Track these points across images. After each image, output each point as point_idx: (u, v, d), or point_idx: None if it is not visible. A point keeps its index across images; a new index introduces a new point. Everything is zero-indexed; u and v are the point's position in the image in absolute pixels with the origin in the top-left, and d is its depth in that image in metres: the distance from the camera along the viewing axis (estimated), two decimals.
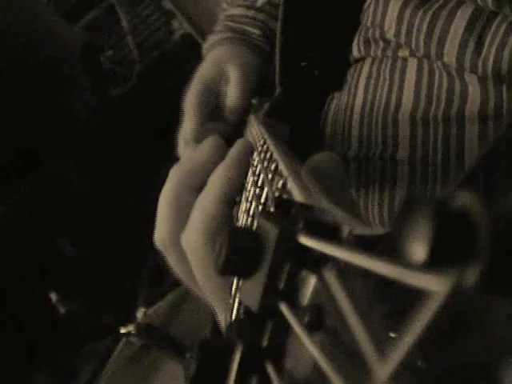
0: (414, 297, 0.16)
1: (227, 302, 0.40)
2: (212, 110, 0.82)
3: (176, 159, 0.79)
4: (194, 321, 1.91)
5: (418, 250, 0.16)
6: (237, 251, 0.27)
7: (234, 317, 0.36)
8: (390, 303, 0.19)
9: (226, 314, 0.40)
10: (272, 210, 0.30)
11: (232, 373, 0.27)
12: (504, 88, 0.59)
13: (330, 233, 0.25)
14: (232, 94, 0.81)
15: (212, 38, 0.90)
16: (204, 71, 0.84)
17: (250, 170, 0.48)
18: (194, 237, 0.46)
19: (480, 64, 0.59)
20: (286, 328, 0.26)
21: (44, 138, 1.74)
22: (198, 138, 0.79)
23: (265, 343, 0.26)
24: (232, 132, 0.77)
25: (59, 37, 1.76)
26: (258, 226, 0.28)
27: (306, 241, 0.25)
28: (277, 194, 0.34)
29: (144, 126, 2.15)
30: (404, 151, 0.65)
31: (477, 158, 0.57)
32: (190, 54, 2.34)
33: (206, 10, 2.34)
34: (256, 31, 0.86)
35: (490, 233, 0.15)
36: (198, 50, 2.38)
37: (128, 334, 2.00)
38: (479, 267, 0.15)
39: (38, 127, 1.70)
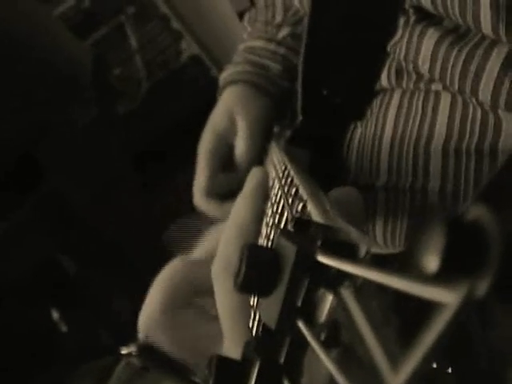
0: (426, 310, 0.17)
1: (242, 328, 0.41)
2: (225, 161, 0.82)
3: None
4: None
5: (431, 261, 0.17)
6: (255, 268, 0.28)
7: (253, 334, 0.36)
8: (404, 318, 0.20)
9: (240, 338, 0.40)
10: (291, 229, 0.30)
11: None
12: None
13: (347, 252, 0.25)
14: (240, 148, 0.81)
15: (230, 69, 0.89)
16: (216, 120, 0.84)
17: (270, 196, 0.49)
18: (216, 266, 0.46)
19: None
20: (303, 345, 0.26)
21: (46, 153, 1.74)
22: (210, 192, 0.80)
23: (282, 359, 0.27)
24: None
25: (68, 52, 1.77)
26: (276, 245, 0.29)
27: (323, 259, 0.25)
28: (296, 216, 0.35)
29: (147, 146, 2.15)
30: (435, 182, 0.65)
31: (490, 176, 0.57)
32: (198, 75, 2.36)
33: (214, 33, 2.36)
34: (276, 66, 0.85)
35: (501, 245, 0.16)
36: (205, 71, 2.39)
37: (129, 354, 1.97)
38: (490, 279, 0.15)
39: (40, 140, 1.71)
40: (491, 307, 0.15)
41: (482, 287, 0.15)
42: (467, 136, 0.63)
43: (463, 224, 0.17)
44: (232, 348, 0.44)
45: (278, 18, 0.89)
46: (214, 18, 2.35)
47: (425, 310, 0.17)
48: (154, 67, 2.39)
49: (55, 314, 2.05)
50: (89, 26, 2.31)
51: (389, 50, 0.70)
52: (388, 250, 0.66)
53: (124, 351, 2.01)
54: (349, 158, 0.75)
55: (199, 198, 0.82)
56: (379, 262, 0.24)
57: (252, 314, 0.38)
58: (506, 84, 0.59)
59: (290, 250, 0.27)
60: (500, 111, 0.61)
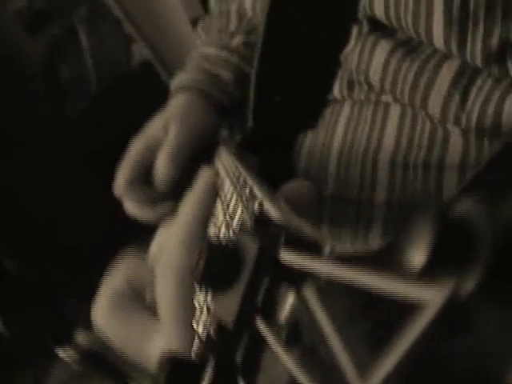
0: (399, 311, 0.16)
1: (185, 317, 0.40)
2: (147, 171, 0.77)
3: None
4: None
5: (416, 256, 0.16)
6: (214, 263, 0.27)
7: (201, 331, 0.35)
8: (371, 321, 0.19)
9: (183, 329, 0.40)
10: (250, 227, 0.29)
11: None
12: (485, 142, 0.59)
13: (310, 250, 0.25)
14: (158, 162, 0.75)
15: (181, 76, 0.88)
16: (150, 128, 0.80)
17: (219, 198, 0.48)
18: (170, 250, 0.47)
19: (464, 117, 0.59)
20: (262, 344, 0.25)
21: None
22: (123, 195, 0.77)
23: (238, 359, 0.26)
24: (160, 200, 0.74)
25: (19, 49, 1.75)
26: (235, 242, 0.28)
27: (286, 256, 0.25)
28: (256, 213, 0.34)
29: (95, 147, 2.13)
30: (381, 194, 0.65)
31: (477, 168, 0.58)
32: (148, 79, 2.35)
33: (167, 38, 2.34)
34: (228, 74, 0.84)
35: (489, 241, 0.15)
36: (155, 76, 2.38)
37: (67, 356, 1.96)
38: (477, 275, 0.15)
39: None
40: (475, 307, 0.15)
41: (469, 284, 0.15)
42: (415, 149, 0.64)
43: (451, 218, 0.16)
44: (172, 344, 0.43)
45: (232, 27, 0.89)
46: (167, 23, 2.34)
47: (397, 310, 0.16)
48: (104, 69, 2.36)
49: None
50: (40, 24, 2.28)
51: (342, 60, 0.70)
52: (356, 249, 0.66)
53: (62, 354, 1.98)
54: (298, 166, 0.74)
55: (122, 191, 0.78)
56: (345, 260, 0.23)
57: (201, 311, 0.37)
58: (456, 98, 0.60)
59: (251, 246, 0.26)
60: (449, 125, 0.62)
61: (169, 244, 0.46)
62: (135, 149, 0.78)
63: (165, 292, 0.44)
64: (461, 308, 0.15)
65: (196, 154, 0.76)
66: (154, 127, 0.79)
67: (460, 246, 0.15)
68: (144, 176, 0.76)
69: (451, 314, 0.15)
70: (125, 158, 0.78)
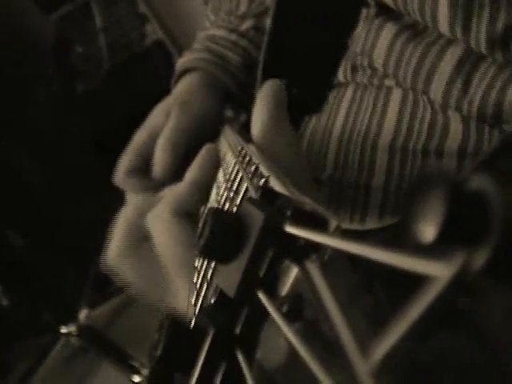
0: (403, 288, 0.16)
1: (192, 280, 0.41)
2: (147, 161, 0.75)
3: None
4: (137, 327, 1.90)
5: (428, 229, 0.16)
6: (219, 233, 0.26)
7: (201, 300, 0.35)
8: (374, 296, 0.19)
9: (191, 294, 0.41)
10: (257, 198, 0.29)
11: (200, 357, 0.26)
12: (486, 129, 0.59)
13: (317, 224, 0.24)
14: (157, 148, 0.74)
15: (188, 56, 0.87)
16: (152, 116, 0.78)
17: (222, 176, 0.48)
18: (166, 216, 0.51)
19: (465, 104, 0.59)
20: (261, 317, 0.25)
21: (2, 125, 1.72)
22: (121, 185, 0.76)
23: (238, 330, 0.26)
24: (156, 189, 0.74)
25: (31, 25, 1.74)
26: (241, 212, 0.28)
27: (292, 229, 0.24)
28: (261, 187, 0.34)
29: (105, 127, 2.13)
30: (379, 178, 0.65)
31: (493, 147, 0.57)
32: (160, 60, 2.35)
33: (180, 19, 2.34)
34: (236, 57, 0.83)
35: (502, 217, 0.15)
36: (168, 57, 2.38)
37: (69, 334, 1.97)
38: (487, 252, 0.14)
39: None
40: (482, 285, 0.15)
41: (479, 260, 0.14)
42: (415, 135, 0.63)
43: (464, 192, 0.16)
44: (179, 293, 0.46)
45: (243, 8, 0.88)
46: (182, 4, 2.34)
47: (401, 287, 0.16)
48: (116, 49, 2.36)
49: None
50: (55, 2, 2.28)
51: (349, 42, 0.69)
52: (361, 227, 0.66)
53: (64, 330, 1.99)
54: None
55: (120, 181, 0.77)
56: (352, 235, 0.23)
57: (202, 280, 0.37)
58: (458, 84, 0.59)
59: (256, 217, 0.26)
60: (450, 111, 0.61)
61: (162, 210, 0.51)
62: (138, 138, 0.77)
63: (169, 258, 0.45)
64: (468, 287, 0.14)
65: (196, 142, 0.75)
66: (156, 116, 0.78)
67: (472, 221, 0.15)
68: (145, 165, 0.75)
69: (458, 291, 0.14)
70: (127, 148, 0.77)
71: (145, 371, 1.78)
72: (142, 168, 0.74)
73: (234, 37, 0.84)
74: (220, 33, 0.86)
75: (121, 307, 2.07)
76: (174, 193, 0.54)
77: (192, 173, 0.55)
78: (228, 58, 0.82)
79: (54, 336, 2.00)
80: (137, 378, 1.81)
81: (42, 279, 2.02)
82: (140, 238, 0.55)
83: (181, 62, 0.85)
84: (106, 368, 1.89)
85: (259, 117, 0.51)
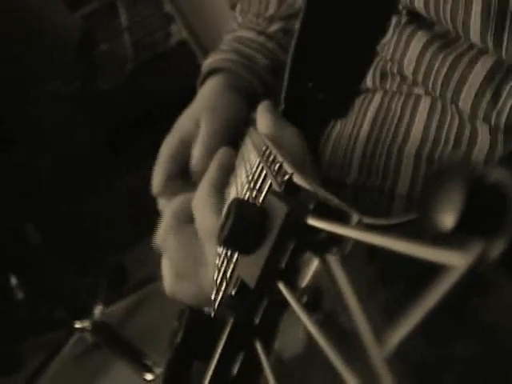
0: (421, 281, 0.16)
1: None
2: (184, 166, 0.78)
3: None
4: (150, 325, 1.90)
5: (446, 219, 0.16)
6: (242, 224, 0.27)
7: (223, 290, 0.35)
8: (393, 290, 0.19)
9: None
10: (281, 191, 0.29)
11: (219, 346, 0.26)
12: None
13: (338, 219, 0.25)
14: (194, 157, 0.77)
15: (215, 56, 0.87)
16: (181, 123, 0.80)
17: (245, 176, 0.49)
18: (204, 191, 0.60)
19: (494, 115, 0.59)
20: (281, 308, 0.25)
21: (23, 121, 1.73)
22: (162, 194, 0.77)
23: (257, 321, 0.26)
24: None
25: (57, 22, 1.75)
26: (265, 204, 0.28)
27: (314, 222, 0.25)
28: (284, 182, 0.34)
29: (121, 126, 2.14)
30: (404, 187, 0.64)
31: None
32: (184, 60, 2.35)
33: (205, 20, 2.35)
34: (263, 59, 0.83)
35: None
36: (192, 57, 2.38)
37: (83, 329, 1.98)
38: (504, 243, 0.15)
39: (18, 108, 1.69)
40: (496, 275, 0.15)
41: (495, 250, 0.15)
42: (441, 144, 0.63)
43: (484, 184, 0.16)
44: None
45: (271, 11, 0.88)
46: (206, 5, 2.35)
47: (419, 280, 0.16)
48: (141, 48, 2.37)
49: (14, 281, 2.04)
50: (81, 0, 2.29)
51: (377, 50, 0.69)
52: (384, 221, 0.66)
53: (78, 325, 1.99)
54: (323, 154, 0.74)
55: (159, 187, 0.79)
56: (373, 228, 0.23)
57: (224, 270, 0.37)
58: (487, 95, 0.59)
59: (279, 210, 0.26)
60: (478, 122, 0.61)
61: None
62: (170, 145, 0.79)
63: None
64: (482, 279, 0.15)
65: (228, 143, 0.76)
66: (185, 123, 0.79)
67: (489, 213, 0.15)
68: (180, 172, 0.77)
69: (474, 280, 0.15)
70: (159, 157, 0.79)
71: (158, 370, 1.78)
72: (179, 174, 0.76)
73: (261, 39, 0.84)
74: (248, 34, 0.86)
75: (135, 305, 2.08)
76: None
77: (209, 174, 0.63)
78: (255, 60, 0.83)
79: (68, 331, 2.00)
80: (149, 376, 1.81)
81: (57, 274, 2.03)
82: (184, 220, 0.63)
83: (207, 63, 0.86)
84: (118, 365, 1.89)
85: (263, 121, 0.62)
